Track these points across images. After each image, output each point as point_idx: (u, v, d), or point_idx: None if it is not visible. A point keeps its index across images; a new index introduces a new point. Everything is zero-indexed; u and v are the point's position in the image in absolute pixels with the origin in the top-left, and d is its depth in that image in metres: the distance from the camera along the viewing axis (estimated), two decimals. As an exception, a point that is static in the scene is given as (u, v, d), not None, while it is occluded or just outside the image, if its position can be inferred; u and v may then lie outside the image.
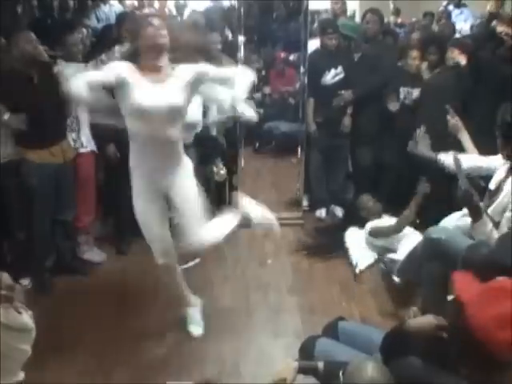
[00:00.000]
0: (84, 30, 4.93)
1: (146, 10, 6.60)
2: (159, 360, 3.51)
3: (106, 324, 3.84)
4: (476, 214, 3.11)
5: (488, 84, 4.40)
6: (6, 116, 3.90)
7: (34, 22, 5.24)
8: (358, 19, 7.56)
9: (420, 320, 2.24)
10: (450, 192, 4.00)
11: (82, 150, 4.46)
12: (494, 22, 4.76)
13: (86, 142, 4.47)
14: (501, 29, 4.53)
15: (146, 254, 4.65)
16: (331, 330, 2.90)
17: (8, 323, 2.11)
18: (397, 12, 8.64)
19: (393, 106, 5.09)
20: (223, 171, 5.01)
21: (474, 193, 3.16)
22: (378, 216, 4.63)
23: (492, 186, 3.40)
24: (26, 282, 4.26)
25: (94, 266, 4.60)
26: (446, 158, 3.72)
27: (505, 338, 1.62)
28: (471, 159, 3.66)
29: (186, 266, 4.45)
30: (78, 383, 3.30)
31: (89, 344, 3.64)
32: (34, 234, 4.24)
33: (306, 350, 2.81)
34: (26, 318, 2.20)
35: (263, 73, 7.49)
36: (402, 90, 5.08)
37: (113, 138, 4.49)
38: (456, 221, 3.67)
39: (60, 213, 4.31)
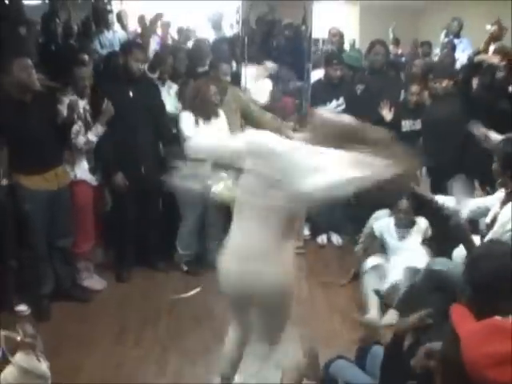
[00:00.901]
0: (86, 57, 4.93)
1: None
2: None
3: (105, 351, 3.81)
4: (469, 246, 3.12)
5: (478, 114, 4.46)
6: None
7: (39, 47, 5.26)
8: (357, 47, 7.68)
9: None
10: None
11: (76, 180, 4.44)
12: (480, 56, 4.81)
13: (81, 174, 4.45)
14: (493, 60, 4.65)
15: (146, 282, 4.71)
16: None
17: (29, 368, 2.26)
18: (396, 42, 8.71)
19: (386, 114, 5.08)
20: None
21: (465, 224, 3.18)
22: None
23: (488, 219, 3.42)
24: (23, 308, 4.23)
25: (93, 293, 4.57)
26: (444, 200, 3.73)
27: (495, 378, 1.63)
28: (471, 202, 3.67)
29: (187, 295, 4.45)
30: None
31: (89, 371, 3.60)
32: (28, 261, 4.22)
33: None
34: (45, 366, 2.34)
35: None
36: (404, 123, 5.09)
37: (119, 167, 4.52)
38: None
39: (56, 239, 4.29)
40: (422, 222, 4.44)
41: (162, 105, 4.78)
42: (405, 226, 4.46)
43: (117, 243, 4.88)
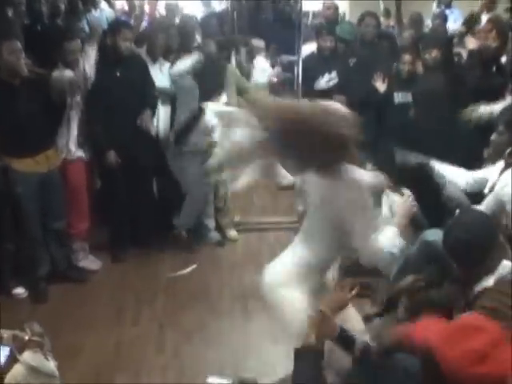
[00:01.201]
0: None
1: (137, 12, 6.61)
2: (159, 366, 3.50)
3: (104, 331, 3.84)
4: None
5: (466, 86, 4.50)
6: None
7: (25, 28, 5.18)
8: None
9: None
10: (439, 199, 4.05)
11: (71, 158, 4.43)
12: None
13: (75, 150, 4.44)
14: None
15: (141, 261, 4.71)
16: None
17: (38, 367, 2.29)
18: (387, 14, 8.61)
19: (380, 86, 5.03)
20: None
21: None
22: None
23: (487, 189, 3.43)
24: (20, 290, 4.26)
25: (89, 273, 4.58)
26: (439, 167, 3.73)
27: (478, 373, 1.66)
28: (467, 174, 3.68)
29: (184, 272, 4.47)
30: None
31: (88, 351, 3.64)
32: (23, 243, 4.24)
33: None
34: (53, 365, 2.38)
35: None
36: (397, 95, 5.05)
37: (111, 145, 4.50)
38: None
39: (50, 221, 4.29)
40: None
41: (150, 81, 4.74)
42: None
43: (111, 223, 4.87)
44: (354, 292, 2.40)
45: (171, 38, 5.10)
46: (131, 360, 3.56)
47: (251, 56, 6.36)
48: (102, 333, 3.82)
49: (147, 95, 4.71)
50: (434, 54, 4.82)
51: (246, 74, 5.88)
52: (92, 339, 3.74)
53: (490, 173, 3.51)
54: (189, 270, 4.49)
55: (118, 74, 4.54)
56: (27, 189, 4.08)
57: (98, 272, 4.63)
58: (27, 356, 2.42)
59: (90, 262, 4.66)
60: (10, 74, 3.95)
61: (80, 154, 4.49)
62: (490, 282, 2.46)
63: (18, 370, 2.41)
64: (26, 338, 2.47)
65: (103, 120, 4.45)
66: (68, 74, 4.23)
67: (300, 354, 2.16)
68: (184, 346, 3.69)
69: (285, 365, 3.08)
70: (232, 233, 5.14)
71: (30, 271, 4.28)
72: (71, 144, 4.41)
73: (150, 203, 4.90)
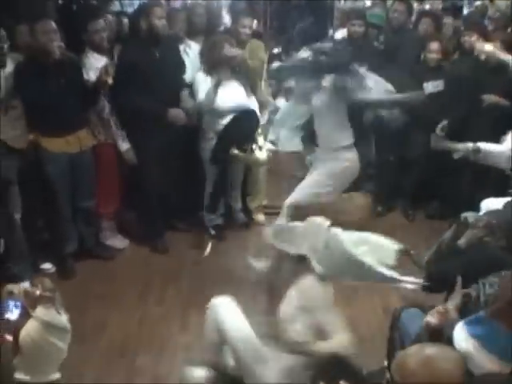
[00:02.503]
0: (109, 16, 4.83)
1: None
2: (182, 345, 3.53)
3: (129, 308, 3.89)
4: None
5: None
6: None
7: (59, 8, 5.20)
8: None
9: None
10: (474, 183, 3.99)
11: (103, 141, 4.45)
12: None
13: (106, 137, 4.44)
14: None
15: (168, 240, 4.72)
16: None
17: (49, 321, 2.29)
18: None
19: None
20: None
21: None
22: None
23: None
24: (48, 266, 4.32)
25: (116, 251, 4.62)
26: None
27: None
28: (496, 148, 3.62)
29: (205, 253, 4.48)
30: (100, 367, 3.33)
31: (112, 328, 3.69)
32: (53, 221, 4.29)
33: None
34: (65, 319, 2.37)
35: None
36: (426, 85, 4.91)
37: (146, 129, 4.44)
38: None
39: (80, 201, 4.33)
40: None
41: (183, 63, 4.66)
42: None
43: (142, 205, 4.76)
44: None
45: (197, 18, 4.99)
46: (155, 338, 3.59)
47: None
48: (126, 310, 3.86)
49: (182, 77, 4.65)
50: (473, 37, 4.71)
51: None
52: (117, 316, 3.80)
53: None
54: (208, 249, 4.52)
55: (157, 55, 4.43)
56: (57, 168, 4.12)
57: (125, 250, 4.67)
58: (40, 311, 2.43)
59: (117, 241, 4.71)
60: (42, 55, 3.95)
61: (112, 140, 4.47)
62: None
63: (31, 325, 2.42)
64: (38, 293, 2.47)
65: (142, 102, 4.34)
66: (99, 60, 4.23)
67: None
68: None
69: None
70: (259, 216, 5.13)
71: (58, 248, 4.33)
72: (104, 130, 4.42)
73: (177, 184, 4.85)
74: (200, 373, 2.68)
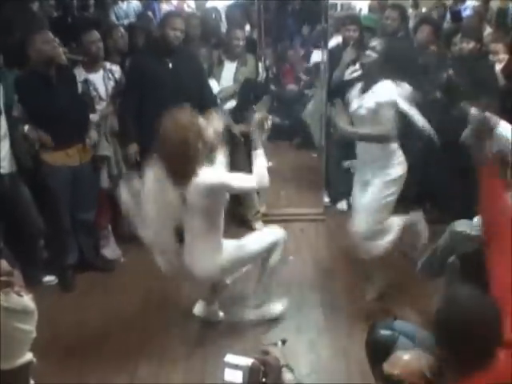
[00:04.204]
0: (121, 29, 4.91)
1: (165, 6, 6.65)
2: (183, 355, 3.53)
3: (130, 320, 3.88)
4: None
5: None
6: (26, 128, 3.93)
7: (54, 21, 5.25)
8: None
9: None
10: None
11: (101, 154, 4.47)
12: None
13: (102, 151, 4.46)
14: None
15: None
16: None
17: (10, 306, 2.17)
18: (416, 5, 8.51)
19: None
20: None
21: None
22: None
23: None
24: (51, 278, 4.34)
25: (117, 263, 4.63)
26: None
27: None
28: None
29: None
30: (102, 379, 3.33)
31: (113, 340, 3.68)
32: (53, 233, 4.30)
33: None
34: (28, 300, 2.26)
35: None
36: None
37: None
38: None
39: (79, 212, 4.34)
40: None
41: (203, 72, 4.67)
42: None
43: None
44: None
45: (192, 28, 5.05)
46: (156, 349, 3.58)
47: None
48: (128, 321, 3.86)
49: (207, 95, 4.63)
50: (471, 45, 4.73)
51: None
52: (118, 327, 3.79)
53: None
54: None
55: (170, 66, 4.43)
56: (58, 181, 4.13)
57: (125, 261, 4.67)
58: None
59: (117, 252, 4.70)
60: (45, 64, 3.96)
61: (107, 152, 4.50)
62: None
63: (-7, 313, 2.32)
64: None
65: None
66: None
67: None
68: (208, 332, 3.73)
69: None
70: (258, 224, 5.14)
71: (59, 260, 4.34)
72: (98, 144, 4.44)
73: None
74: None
